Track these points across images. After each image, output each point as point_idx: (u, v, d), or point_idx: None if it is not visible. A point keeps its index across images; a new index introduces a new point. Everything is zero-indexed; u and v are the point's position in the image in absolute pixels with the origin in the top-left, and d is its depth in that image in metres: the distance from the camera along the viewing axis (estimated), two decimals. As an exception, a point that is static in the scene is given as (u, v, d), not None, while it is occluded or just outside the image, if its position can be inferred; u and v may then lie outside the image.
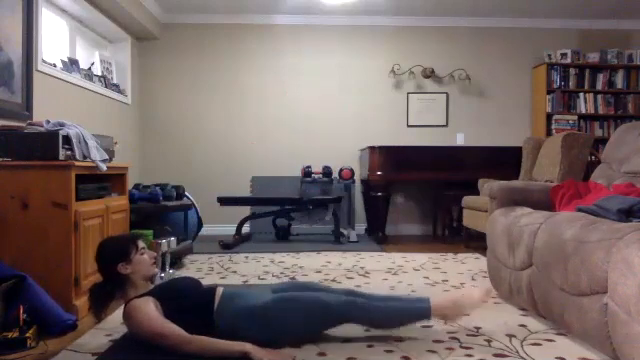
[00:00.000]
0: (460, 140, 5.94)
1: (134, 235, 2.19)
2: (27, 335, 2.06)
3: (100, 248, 2.11)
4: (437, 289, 3.09)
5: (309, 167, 5.50)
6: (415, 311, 2.13)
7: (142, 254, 2.10)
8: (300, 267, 3.81)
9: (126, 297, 2.05)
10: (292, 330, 2.04)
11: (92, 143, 2.75)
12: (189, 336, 1.89)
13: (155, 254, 2.18)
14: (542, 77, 5.73)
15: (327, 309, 2.06)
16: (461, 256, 4.29)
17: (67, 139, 2.58)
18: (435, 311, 2.12)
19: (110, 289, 2.07)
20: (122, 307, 2.06)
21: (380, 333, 2.19)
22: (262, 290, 2.25)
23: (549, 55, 5.77)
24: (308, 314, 2.05)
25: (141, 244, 2.12)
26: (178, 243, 3.71)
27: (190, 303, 2.03)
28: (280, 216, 5.22)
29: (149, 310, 1.94)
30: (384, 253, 4.45)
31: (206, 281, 3.18)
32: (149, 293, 2.04)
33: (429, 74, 5.85)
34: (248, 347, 1.87)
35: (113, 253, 2.07)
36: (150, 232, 3.38)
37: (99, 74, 4.91)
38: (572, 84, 5.76)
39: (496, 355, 1.96)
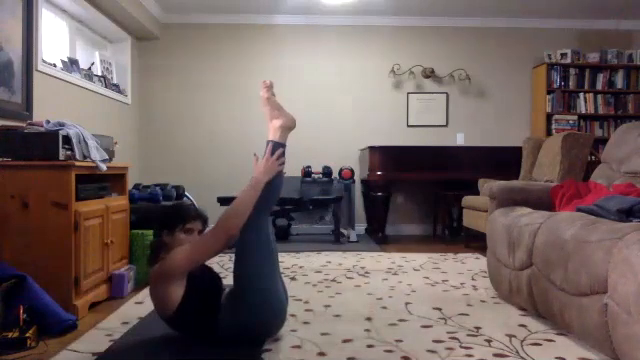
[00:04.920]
0: (460, 140, 5.94)
1: (194, 213, 2.19)
2: (27, 335, 2.06)
3: (164, 208, 2.19)
4: (437, 289, 3.09)
5: (309, 167, 5.50)
6: None
7: (186, 231, 2.10)
8: (300, 267, 3.80)
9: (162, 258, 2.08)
10: (256, 274, 2.06)
11: (92, 143, 2.75)
12: (219, 223, 2.02)
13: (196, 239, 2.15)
14: (542, 77, 5.73)
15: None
16: (461, 256, 4.29)
17: (67, 139, 2.57)
18: None
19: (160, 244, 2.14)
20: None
21: (380, 333, 2.19)
22: None
23: (549, 55, 5.77)
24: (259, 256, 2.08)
25: (191, 225, 2.12)
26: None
27: (208, 285, 2.09)
28: (280, 216, 5.22)
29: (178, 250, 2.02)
30: (384, 253, 4.45)
31: (206, 281, 3.18)
32: None
33: (429, 74, 5.85)
34: (255, 174, 2.06)
35: (164, 218, 2.15)
36: (150, 232, 3.38)
37: (99, 74, 4.91)
38: (572, 84, 5.75)
39: (496, 355, 1.96)
